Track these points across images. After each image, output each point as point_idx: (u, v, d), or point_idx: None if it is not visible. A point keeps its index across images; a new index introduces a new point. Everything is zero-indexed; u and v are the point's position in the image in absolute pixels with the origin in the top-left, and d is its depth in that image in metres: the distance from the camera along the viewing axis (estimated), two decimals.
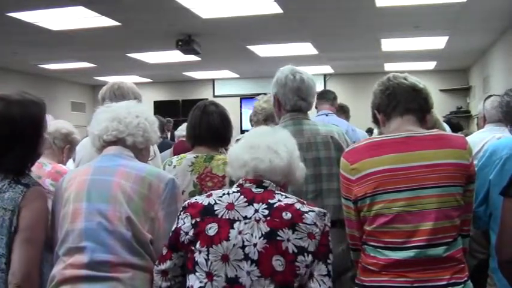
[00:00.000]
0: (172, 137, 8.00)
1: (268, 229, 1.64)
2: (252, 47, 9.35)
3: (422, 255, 1.78)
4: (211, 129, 2.51)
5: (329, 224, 1.72)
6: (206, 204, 1.73)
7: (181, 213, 1.76)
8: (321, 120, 4.37)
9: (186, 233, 1.71)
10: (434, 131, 1.97)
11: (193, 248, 1.69)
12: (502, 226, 1.77)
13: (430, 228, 1.79)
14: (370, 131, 6.93)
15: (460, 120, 8.71)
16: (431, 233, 1.79)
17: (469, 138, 2.20)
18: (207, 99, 13.97)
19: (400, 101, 1.96)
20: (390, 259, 1.81)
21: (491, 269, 2.30)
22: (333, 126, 2.61)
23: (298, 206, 1.70)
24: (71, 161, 3.24)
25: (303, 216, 1.67)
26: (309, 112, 2.59)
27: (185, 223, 1.72)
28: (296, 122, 2.48)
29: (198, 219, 1.70)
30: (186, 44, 8.12)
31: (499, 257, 1.77)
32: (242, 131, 10.40)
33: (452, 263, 1.81)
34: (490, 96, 3.34)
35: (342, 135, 2.53)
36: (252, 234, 1.64)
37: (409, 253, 1.79)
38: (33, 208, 1.87)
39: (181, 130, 5.28)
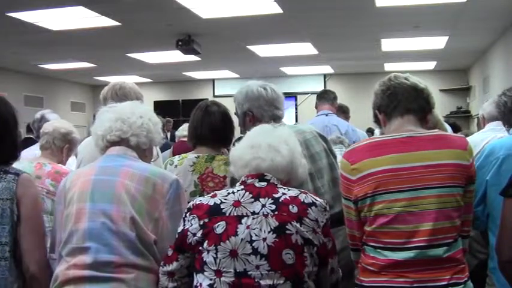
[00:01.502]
0: (172, 137, 7.99)
1: (277, 223, 1.67)
2: (252, 47, 9.34)
3: (423, 255, 1.78)
4: (212, 129, 2.51)
5: (329, 217, 1.77)
6: (212, 204, 1.74)
7: (187, 214, 1.77)
8: (320, 121, 4.40)
9: (194, 234, 1.72)
10: (435, 131, 1.97)
11: (201, 248, 1.70)
12: (502, 226, 1.77)
13: (430, 229, 1.79)
14: (370, 131, 6.95)
15: (460, 120, 8.71)
16: (431, 234, 1.79)
17: (470, 139, 2.20)
18: (207, 99, 13.97)
19: (401, 101, 1.96)
20: (390, 259, 1.81)
21: (490, 269, 2.30)
22: (306, 124, 2.81)
23: (302, 197, 1.74)
24: (72, 159, 3.24)
25: (307, 211, 1.71)
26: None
27: (192, 225, 1.73)
28: None
29: (206, 220, 1.72)
30: (186, 44, 8.12)
31: (499, 257, 1.77)
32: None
33: (453, 264, 1.81)
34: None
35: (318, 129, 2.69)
36: (260, 229, 1.66)
37: (409, 253, 1.79)
38: (31, 195, 1.96)
39: (182, 130, 5.26)
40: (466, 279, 1.83)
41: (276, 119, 2.55)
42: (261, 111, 2.54)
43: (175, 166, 2.48)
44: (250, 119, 2.53)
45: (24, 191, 1.93)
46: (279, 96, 2.59)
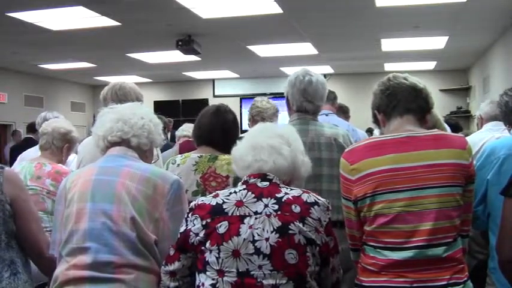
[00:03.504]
0: (172, 137, 7.98)
1: (280, 223, 1.66)
2: (252, 47, 9.35)
3: (422, 255, 1.78)
4: (225, 133, 2.49)
5: (330, 217, 1.77)
6: (214, 204, 1.74)
7: (189, 215, 1.77)
8: (321, 121, 4.39)
9: (196, 234, 1.71)
10: (434, 131, 1.97)
11: (203, 248, 1.70)
12: (503, 226, 1.77)
13: (429, 228, 1.79)
14: (370, 131, 6.94)
15: (460, 120, 8.69)
16: (431, 233, 1.79)
17: (468, 139, 2.21)
18: (207, 99, 13.85)
19: (400, 100, 1.96)
20: (390, 259, 1.81)
21: (490, 268, 2.30)
22: (339, 129, 2.66)
23: (305, 197, 1.73)
24: (73, 157, 3.24)
25: (310, 210, 1.70)
26: None
27: (195, 225, 1.73)
28: (303, 122, 2.56)
29: (208, 220, 1.71)
30: (186, 44, 8.13)
31: (500, 256, 1.78)
32: (242, 131, 10.39)
33: (452, 263, 1.81)
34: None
35: (348, 138, 2.59)
36: (263, 229, 1.66)
37: (409, 253, 1.79)
38: (20, 188, 2.08)
39: (182, 130, 5.25)
40: (465, 279, 1.83)
41: (304, 111, 2.54)
42: (293, 99, 2.56)
43: (178, 165, 2.48)
44: (287, 104, 2.57)
45: (13, 185, 2.01)
46: (315, 89, 2.53)
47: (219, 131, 2.48)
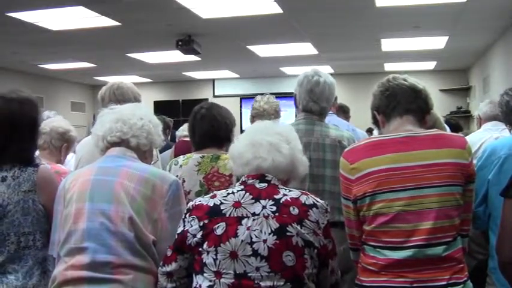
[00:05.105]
0: (173, 137, 7.98)
1: (278, 225, 1.66)
2: (252, 47, 9.33)
3: (422, 254, 1.78)
4: (205, 135, 2.50)
5: (329, 219, 1.76)
6: (212, 205, 1.73)
7: (187, 215, 1.76)
8: None
9: (194, 236, 1.71)
10: (434, 131, 1.97)
11: (200, 249, 1.69)
12: (503, 227, 1.76)
13: (429, 228, 1.79)
14: (370, 131, 6.93)
15: (460, 120, 8.68)
16: (430, 233, 1.79)
17: (467, 138, 2.21)
18: (207, 99, 13.82)
19: (400, 101, 1.97)
20: (390, 259, 1.81)
21: (490, 268, 2.31)
22: (344, 132, 2.66)
23: (303, 199, 1.73)
24: (71, 156, 3.23)
25: (308, 213, 1.69)
26: None
27: (192, 226, 1.72)
28: (309, 122, 2.57)
29: (206, 221, 1.70)
30: (186, 44, 8.11)
31: (500, 258, 1.77)
32: (242, 131, 10.38)
33: (452, 263, 1.81)
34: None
35: (352, 142, 2.57)
36: (261, 231, 1.65)
37: (408, 252, 1.79)
38: (56, 187, 2.06)
39: (182, 130, 5.26)
40: (465, 279, 1.83)
41: (309, 111, 2.56)
42: (300, 98, 2.59)
43: (180, 166, 2.48)
44: (295, 102, 2.60)
45: (46, 185, 2.06)
46: (321, 90, 2.55)
47: (202, 136, 2.50)
